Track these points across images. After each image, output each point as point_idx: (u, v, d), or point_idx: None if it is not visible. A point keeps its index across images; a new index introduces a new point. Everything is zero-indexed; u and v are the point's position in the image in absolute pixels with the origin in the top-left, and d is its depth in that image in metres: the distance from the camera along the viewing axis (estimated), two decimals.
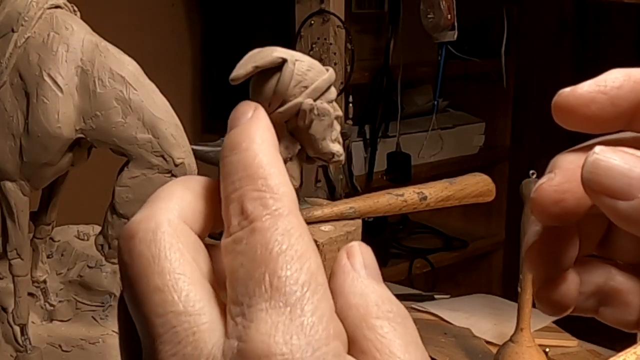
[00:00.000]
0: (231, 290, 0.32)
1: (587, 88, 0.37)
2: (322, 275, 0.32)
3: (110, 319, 1.19)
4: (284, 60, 0.56)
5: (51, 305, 1.16)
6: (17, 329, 1.05)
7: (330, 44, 1.66)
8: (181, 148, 0.91)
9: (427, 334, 1.43)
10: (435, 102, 2.12)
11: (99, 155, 0.98)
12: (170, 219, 0.34)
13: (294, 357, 0.30)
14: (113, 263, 1.03)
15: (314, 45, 1.66)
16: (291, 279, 0.31)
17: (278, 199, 0.33)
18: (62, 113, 0.90)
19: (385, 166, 2.13)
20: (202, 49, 2.08)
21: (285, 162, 0.68)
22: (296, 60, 0.56)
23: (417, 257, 2.25)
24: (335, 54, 1.66)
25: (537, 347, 1.27)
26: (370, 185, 2.07)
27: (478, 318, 1.52)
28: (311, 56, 0.54)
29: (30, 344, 1.06)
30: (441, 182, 1.38)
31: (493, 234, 2.48)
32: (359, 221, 1.29)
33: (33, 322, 1.11)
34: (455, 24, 1.66)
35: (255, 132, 0.35)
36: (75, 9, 0.97)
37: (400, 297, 1.48)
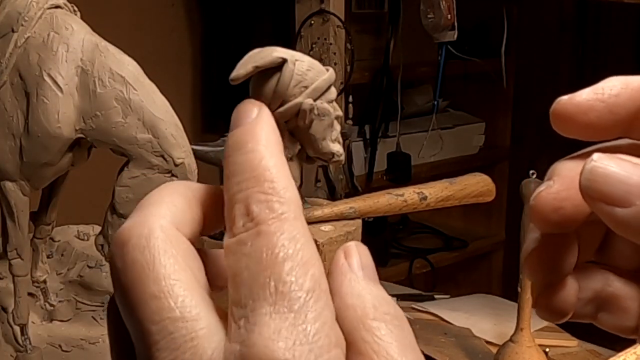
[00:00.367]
0: (234, 291, 0.32)
1: (585, 96, 0.37)
2: (325, 282, 0.32)
3: None
4: (284, 60, 0.56)
5: (51, 305, 1.16)
6: (17, 329, 1.05)
7: (330, 44, 1.66)
8: (181, 148, 0.91)
9: (427, 334, 1.43)
10: (435, 102, 2.12)
11: (99, 155, 0.98)
12: (162, 224, 0.34)
13: None
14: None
15: (314, 45, 1.66)
16: (296, 284, 0.31)
17: (284, 203, 0.33)
18: (62, 113, 0.90)
19: (385, 166, 2.13)
20: (202, 49, 2.08)
21: None
22: (296, 60, 0.56)
23: (417, 257, 2.25)
24: (335, 54, 1.66)
25: (537, 347, 1.27)
26: (370, 185, 2.07)
27: (478, 318, 1.52)
28: (311, 56, 0.54)
29: (30, 344, 1.06)
30: (441, 182, 1.38)
31: (493, 234, 2.48)
32: (359, 221, 1.28)
33: (33, 322, 1.11)
34: (455, 24, 1.66)
35: (261, 133, 0.35)
36: (75, 9, 0.97)
37: (400, 297, 1.48)
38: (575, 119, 0.37)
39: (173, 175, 0.91)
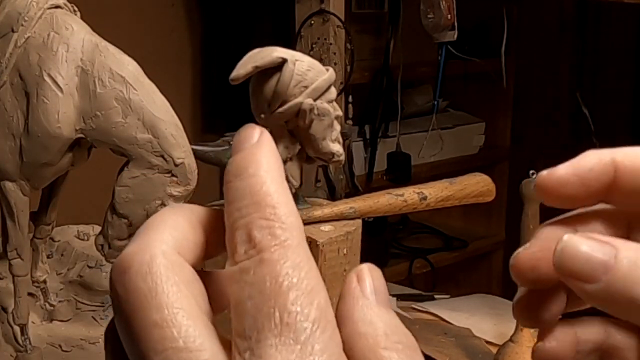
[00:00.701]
0: (237, 322, 0.31)
1: (563, 171, 0.40)
2: (331, 312, 0.31)
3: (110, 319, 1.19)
4: (284, 60, 0.56)
5: (51, 305, 1.16)
6: (17, 329, 1.05)
7: (330, 44, 1.66)
8: (181, 148, 0.91)
9: (427, 334, 1.43)
10: (435, 102, 2.11)
11: (99, 155, 0.98)
12: (164, 250, 0.33)
13: None
14: (113, 263, 1.03)
15: (314, 45, 1.66)
16: (302, 315, 0.30)
17: (287, 229, 0.32)
18: (62, 113, 0.90)
19: (385, 166, 2.13)
20: (202, 49, 2.08)
21: (285, 162, 0.69)
22: (296, 60, 0.56)
23: (417, 257, 2.25)
24: (335, 54, 1.66)
25: None
26: (370, 185, 2.07)
27: (478, 318, 1.52)
28: (311, 56, 0.54)
29: (30, 344, 1.06)
30: (441, 182, 1.38)
31: (493, 234, 2.48)
32: (359, 221, 1.28)
33: (33, 322, 1.11)
34: (455, 24, 1.66)
35: (261, 158, 0.34)
36: (75, 9, 0.97)
37: (400, 297, 1.48)
38: (554, 192, 0.40)
39: (173, 175, 0.91)
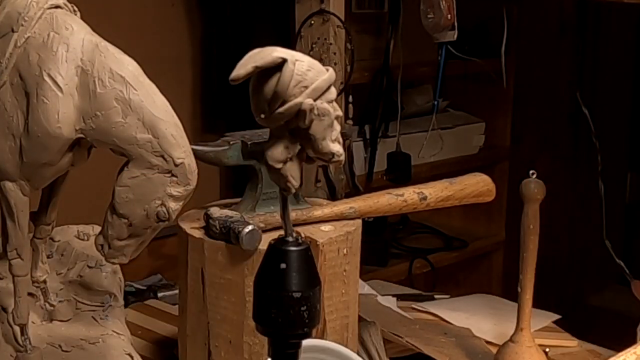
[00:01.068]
0: None
1: None
2: None
3: (110, 319, 1.19)
4: (284, 60, 0.56)
5: (51, 305, 1.16)
6: (17, 329, 1.05)
7: (330, 44, 1.66)
8: (181, 148, 0.91)
9: (427, 334, 1.43)
10: (435, 102, 2.11)
11: (99, 155, 0.98)
12: None
13: None
14: (113, 263, 1.03)
15: (314, 45, 1.66)
16: None
17: None
18: (62, 113, 0.90)
19: (385, 166, 2.13)
20: (202, 49, 2.08)
21: (285, 162, 0.69)
22: (296, 60, 0.56)
23: (417, 257, 2.25)
24: (335, 54, 1.66)
25: (537, 347, 1.27)
26: (370, 185, 2.07)
27: (478, 318, 1.52)
28: (311, 56, 0.54)
29: (30, 344, 1.06)
30: (441, 182, 1.38)
31: (493, 234, 2.48)
32: (359, 221, 1.29)
33: (33, 322, 1.11)
34: (455, 24, 1.66)
35: None
36: (75, 9, 0.97)
37: (400, 297, 1.47)
38: None
39: (173, 175, 0.91)
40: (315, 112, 0.64)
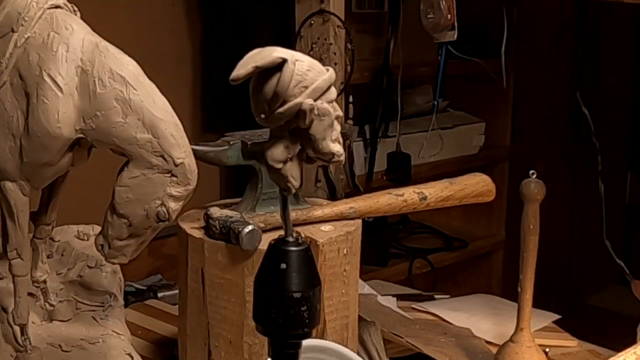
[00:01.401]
0: None
1: None
2: None
3: (110, 319, 1.19)
4: (284, 60, 0.56)
5: (51, 305, 1.16)
6: (17, 329, 1.05)
7: (330, 44, 1.66)
8: (181, 148, 0.91)
9: (427, 334, 1.43)
10: (435, 102, 2.11)
11: (99, 155, 0.98)
12: None
13: None
14: (113, 263, 1.03)
15: (314, 45, 1.66)
16: None
17: None
18: (62, 113, 0.90)
19: (385, 166, 2.13)
20: (202, 49, 2.08)
21: (285, 162, 0.69)
22: (296, 60, 0.56)
23: (417, 257, 2.25)
24: (335, 54, 1.66)
25: (537, 347, 1.27)
26: (370, 185, 2.07)
27: (478, 318, 1.52)
28: (311, 56, 0.54)
29: (30, 344, 1.06)
30: (441, 182, 1.38)
31: (493, 234, 2.48)
32: (359, 221, 1.29)
33: (33, 322, 1.11)
34: (455, 24, 1.66)
35: None
36: (75, 9, 0.97)
37: (400, 297, 1.47)
38: None
39: (173, 175, 0.91)
40: (316, 112, 0.64)
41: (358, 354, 1.18)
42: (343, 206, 1.21)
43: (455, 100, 2.40)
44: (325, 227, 1.17)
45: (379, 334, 1.31)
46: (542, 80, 2.49)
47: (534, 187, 1.22)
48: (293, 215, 1.10)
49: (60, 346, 1.13)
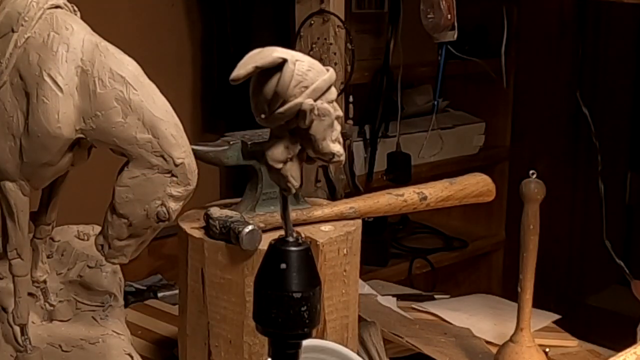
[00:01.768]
0: None
1: None
2: None
3: (110, 319, 1.19)
4: (284, 60, 0.56)
5: (51, 305, 1.16)
6: (17, 329, 1.05)
7: (330, 44, 1.66)
8: (181, 148, 0.91)
9: (427, 334, 1.43)
10: (435, 102, 2.11)
11: (99, 155, 0.98)
12: None
13: None
14: (113, 263, 1.03)
15: (314, 45, 1.66)
16: None
17: None
18: (62, 113, 0.90)
19: (385, 166, 2.13)
20: (202, 49, 2.08)
21: (285, 162, 0.69)
22: (296, 60, 0.56)
23: (417, 257, 2.25)
24: (335, 54, 1.66)
25: (537, 347, 1.27)
26: (370, 185, 2.07)
27: (478, 318, 1.52)
28: (311, 56, 0.54)
29: (30, 344, 1.06)
30: (441, 182, 1.38)
31: (493, 234, 2.48)
32: (359, 221, 1.29)
33: (33, 322, 1.11)
34: (455, 24, 1.66)
35: None
36: (75, 9, 0.97)
37: (400, 297, 1.47)
38: None
39: (173, 175, 0.91)
40: (316, 112, 0.64)
41: (358, 354, 1.18)
42: (343, 206, 1.21)
43: (455, 100, 2.40)
44: (325, 227, 1.17)
45: (379, 334, 1.31)
46: (542, 80, 2.49)
47: (534, 187, 1.22)
48: (293, 215, 1.10)
49: (60, 346, 1.13)
